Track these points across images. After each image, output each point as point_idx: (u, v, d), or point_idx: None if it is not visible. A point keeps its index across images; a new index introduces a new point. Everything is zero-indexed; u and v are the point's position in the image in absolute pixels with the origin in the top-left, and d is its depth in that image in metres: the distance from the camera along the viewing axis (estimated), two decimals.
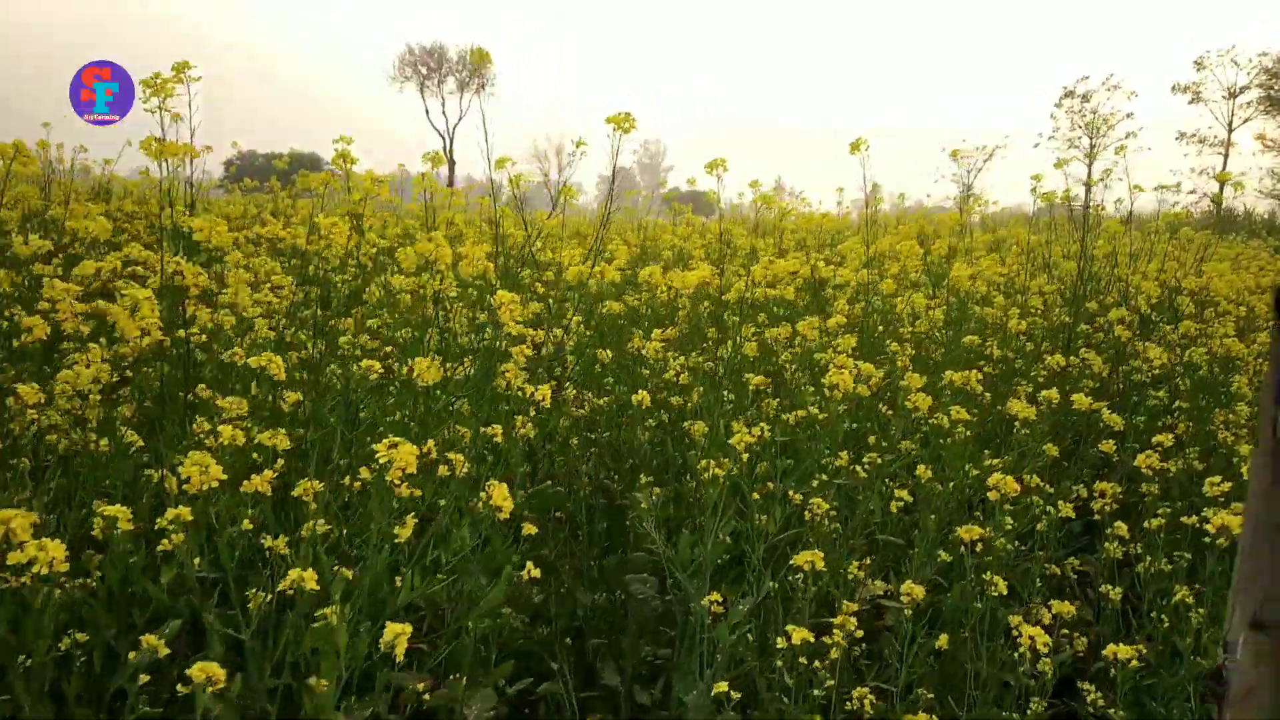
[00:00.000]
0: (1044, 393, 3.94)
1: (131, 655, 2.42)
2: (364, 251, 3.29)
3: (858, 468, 3.60)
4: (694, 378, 3.95)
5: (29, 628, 2.38)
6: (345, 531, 2.72)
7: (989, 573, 3.06)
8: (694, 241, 5.77)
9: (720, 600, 3.07)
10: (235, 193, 7.44)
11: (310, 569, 2.16)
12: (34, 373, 2.78)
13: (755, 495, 3.20)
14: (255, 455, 2.47)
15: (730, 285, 4.29)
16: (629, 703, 3.51)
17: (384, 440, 2.18)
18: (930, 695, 3.05)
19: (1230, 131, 46.37)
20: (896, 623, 3.12)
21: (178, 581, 2.51)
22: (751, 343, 4.04)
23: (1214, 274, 5.42)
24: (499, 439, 3.02)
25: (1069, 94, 51.44)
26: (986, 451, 4.03)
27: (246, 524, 2.40)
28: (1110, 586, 3.42)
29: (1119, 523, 3.60)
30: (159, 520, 2.14)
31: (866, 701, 2.82)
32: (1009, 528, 3.33)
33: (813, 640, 2.55)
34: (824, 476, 3.43)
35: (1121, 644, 2.69)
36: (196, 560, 2.30)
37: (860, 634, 2.82)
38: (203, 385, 3.02)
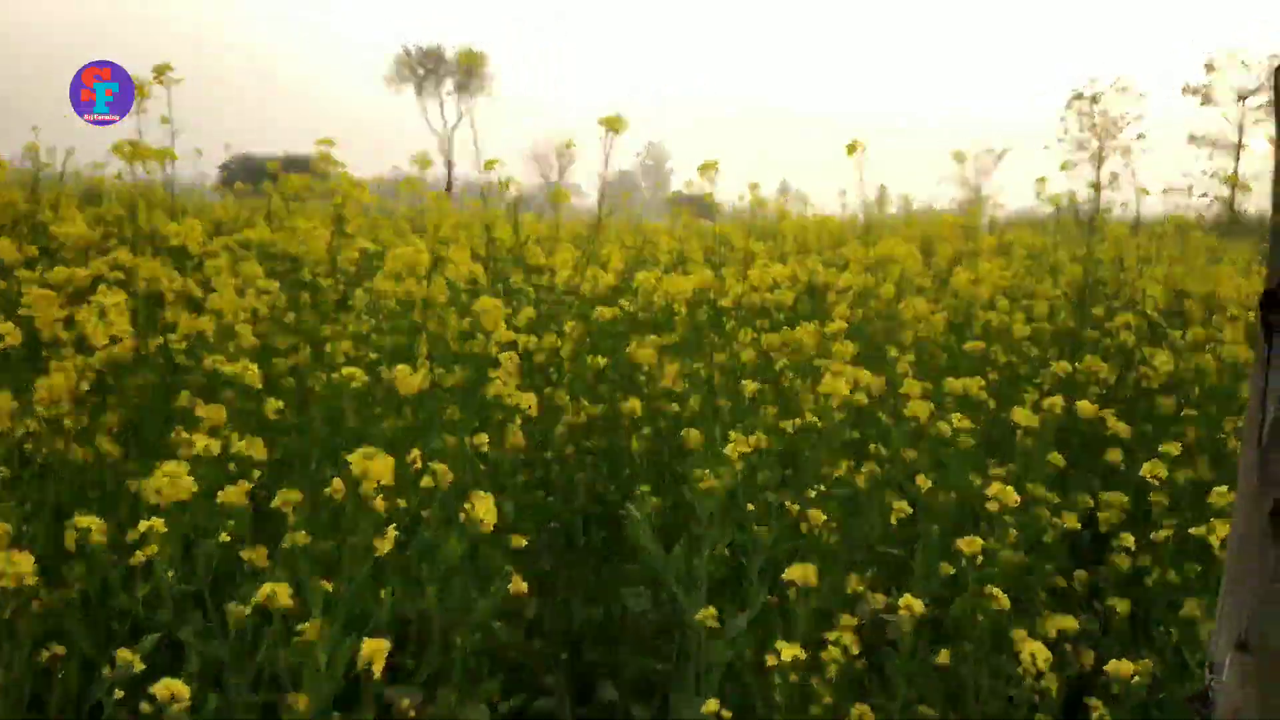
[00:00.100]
0: (1047, 400, 3.86)
1: (106, 670, 2.37)
2: (345, 256, 3.23)
3: (858, 477, 3.52)
4: (690, 385, 3.88)
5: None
6: (330, 544, 2.66)
7: (990, 585, 2.99)
8: (692, 245, 5.71)
9: (716, 615, 3.00)
10: (228, 196, 7.40)
11: (285, 583, 2.10)
12: (13, 381, 2.72)
13: (750, 506, 3.13)
14: (231, 465, 2.41)
15: (729, 290, 4.21)
16: (626, 719, 3.45)
17: (358, 451, 2.12)
18: (932, 712, 2.98)
19: (1241, 134, 46.15)
20: (897, 637, 3.05)
21: (154, 594, 2.46)
22: (750, 349, 3.97)
23: (1224, 278, 5.33)
24: (485, 448, 2.95)
25: (1078, 96, 51.19)
26: (991, 460, 3.95)
27: (224, 536, 2.34)
28: (1117, 600, 3.35)
29: (1125, 534, 3.52)
30: (130, 533, 2.08)
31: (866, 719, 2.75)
32: (1013, 540, 3.25)
33: (803, 657, 2.48)
34: (822, 487, 3.36)
35: (1125, 659, 2.62)
36: (170, 574, 2.23)
37: (856, 650, 2.75)
38: (187, 393, 2.97)
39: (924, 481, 3.50)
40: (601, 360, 4.00)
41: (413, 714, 2.75)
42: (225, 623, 2.44)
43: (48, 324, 2.62)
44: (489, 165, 3.79)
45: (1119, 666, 2.61)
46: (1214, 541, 2.88)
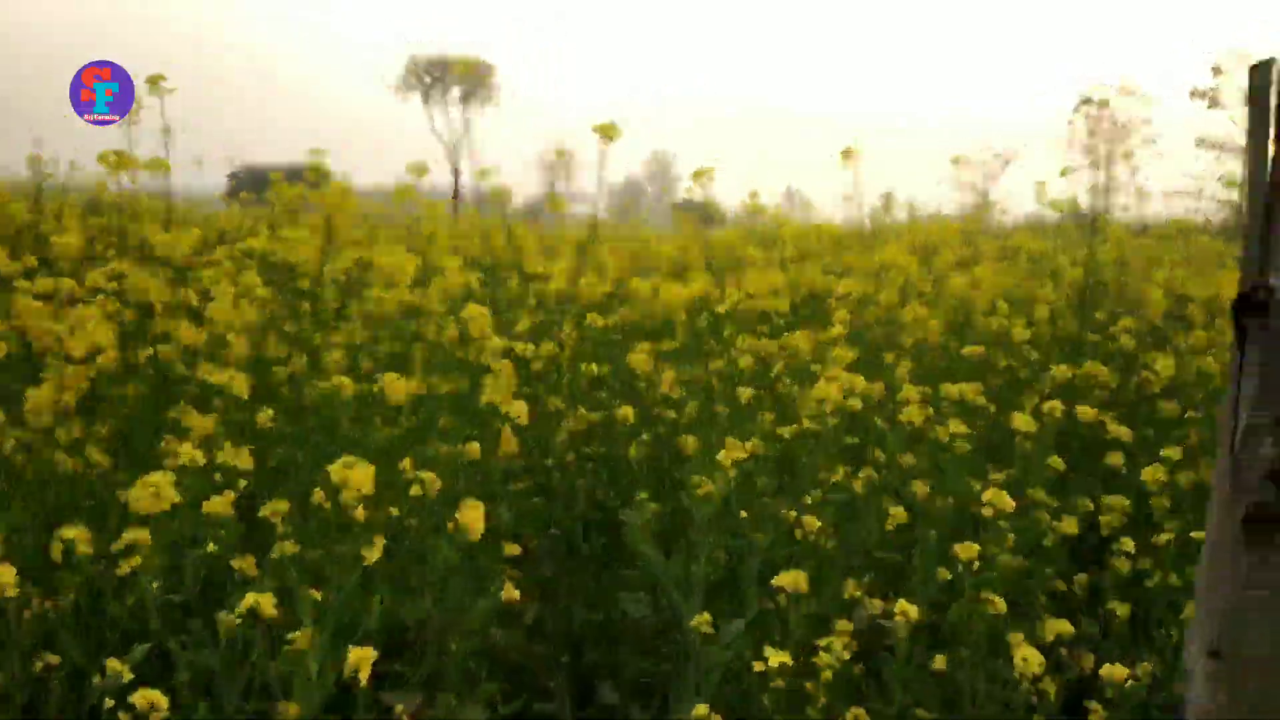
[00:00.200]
0: (1047, 404, 3.84)
1: (96, 680, 2.37)
2: (335, 265, 3.24)
3: (855, 482, 3.51)
4: (688, 392, 3.87)
5: None
6: (319, 553, 2.66)
7: (988, 590, 2.97)
8: (693, 251, 5.69)
9: (710, 621, 2.99)
10: (234, 206, 7.43)
11: (270, 593, 2.10)
12: (3, 393, 2.74)
13: (743, 513, 3.12)
14: (217, 476, 2.42)
15: (727, 297, 4.21)
16: None
17: (338, 461, 2.12)
18: (929, 716, 2.96)
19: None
20: (894, 642, 3.04)
21: (141, 604, 2.46)
22: (747, 355, 3.96)
23: (1227, 282, 5.28)
24: (477, 456, 2.95)
25: (1086, 101, 50.95)
26: (991, 465, 3.93)
27: (212, 546, 2.35)
28: (1117, 603, 3.32)
29: (1125, 538, 3.49)
30: (114, 544, 2.09)
31: None
32: (1010, 544, 3.23)
33: (791, 663, 2.46)
34: (818, 493, 3.35)
35: (1120, 664, 2.61)
36: (155, 585, 2.24)
37: (848, 655, 2.73)
38: (183, 402, 2.98)
39: (921, 487, 3.48)
40: (597, 367, 4.00)
41: (407, 718, 2.74)
42: (216, 632, 2.44)
43: (39, 335, 2.63)
44: (480, 175, 3.80)
45: (1113, 671, 2.59)
46: None
